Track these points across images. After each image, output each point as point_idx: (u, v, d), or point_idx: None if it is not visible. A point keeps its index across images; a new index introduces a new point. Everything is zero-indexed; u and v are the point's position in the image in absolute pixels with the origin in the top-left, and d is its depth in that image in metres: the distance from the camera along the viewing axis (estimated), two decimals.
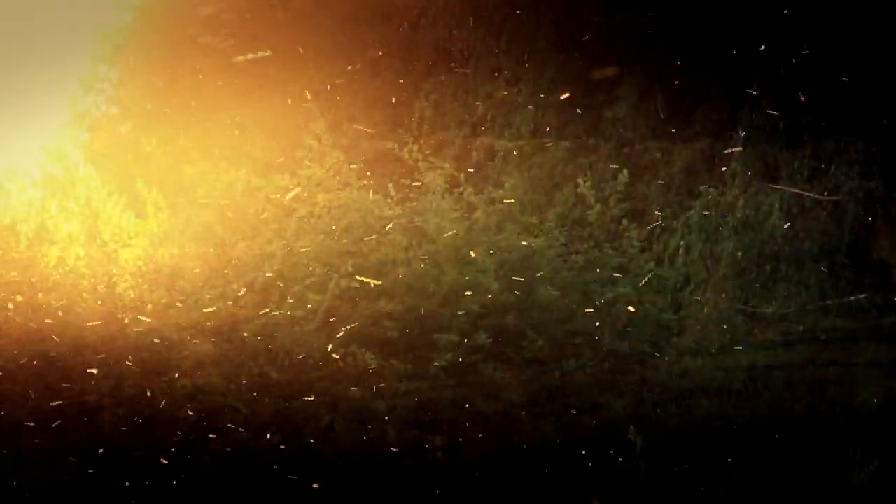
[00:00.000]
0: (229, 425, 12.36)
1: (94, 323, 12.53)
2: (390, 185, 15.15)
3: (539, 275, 14.15)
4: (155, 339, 12.45)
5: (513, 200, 14.90)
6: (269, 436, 12.44)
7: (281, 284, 13.34)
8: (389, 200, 14.72)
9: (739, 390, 13.89)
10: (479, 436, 13.01)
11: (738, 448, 13.24)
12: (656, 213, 16.94)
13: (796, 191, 15.36)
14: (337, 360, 12.87)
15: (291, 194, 14.28)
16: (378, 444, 12.67)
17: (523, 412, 13.29)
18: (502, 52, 19.44)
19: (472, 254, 14.07)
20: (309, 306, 13.09)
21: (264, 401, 12.55)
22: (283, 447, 12.48)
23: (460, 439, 12.90)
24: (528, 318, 13.89)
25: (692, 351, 14.35)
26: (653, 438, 12.93)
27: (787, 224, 15.33)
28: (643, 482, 12.81)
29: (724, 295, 15.31)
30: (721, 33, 16.88)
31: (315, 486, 12.51)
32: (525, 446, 13.03)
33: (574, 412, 13.40)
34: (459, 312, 13.53)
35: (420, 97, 19.92)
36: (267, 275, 13.30)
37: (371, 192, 14.58)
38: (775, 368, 14.08)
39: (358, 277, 13.34)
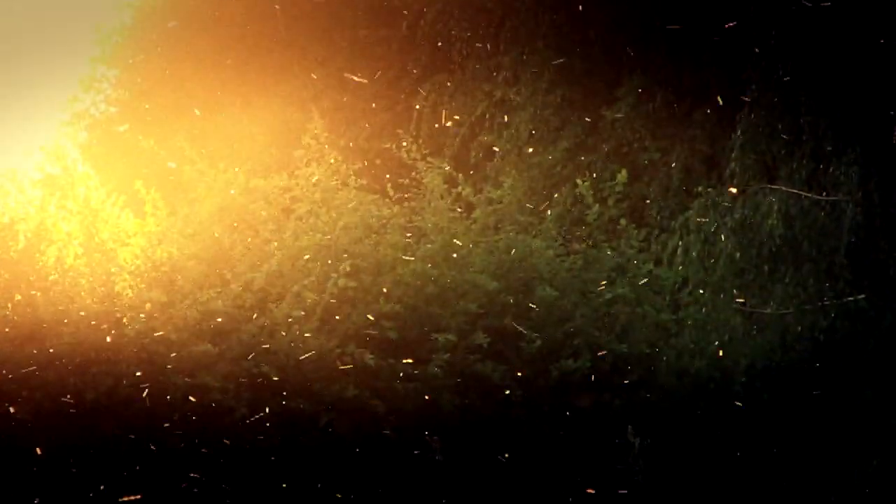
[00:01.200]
0: (227, 424, 12.35)
1: (93, 321, 12.50)
2: (388, 184, 15.13)
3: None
4: (153, 338, 12.43)
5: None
6: (267, 434, 12.44)
7: (279, 284, 13.32)
8: (387, 200, 14.71)
9: (738, 390, 13.91)
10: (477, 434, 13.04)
11: (736, 447, 13.26)
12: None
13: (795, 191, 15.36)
14: (335, 359, 12.85)
15: (290, 194, 14.25)
16: (376, 441, 12.69)
17: (521, 411, 13.30)
18: (501, 53, 19.48)
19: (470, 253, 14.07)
20: (307, 305, 13.06)
21: (262, 400, 12.54)
22: (281, 445, 12.49)
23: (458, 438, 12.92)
24: (526, 317, 13.88)
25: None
26: (651, 437, 12.95)
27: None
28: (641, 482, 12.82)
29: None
30: (720, 35, 16.89)
31: (313, 484, 12.54)
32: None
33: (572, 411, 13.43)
34: (458, 312, 13.52)
35: (418, 97, 19.96)
36: (265, 274, 13.27)
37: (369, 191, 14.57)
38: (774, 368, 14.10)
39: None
